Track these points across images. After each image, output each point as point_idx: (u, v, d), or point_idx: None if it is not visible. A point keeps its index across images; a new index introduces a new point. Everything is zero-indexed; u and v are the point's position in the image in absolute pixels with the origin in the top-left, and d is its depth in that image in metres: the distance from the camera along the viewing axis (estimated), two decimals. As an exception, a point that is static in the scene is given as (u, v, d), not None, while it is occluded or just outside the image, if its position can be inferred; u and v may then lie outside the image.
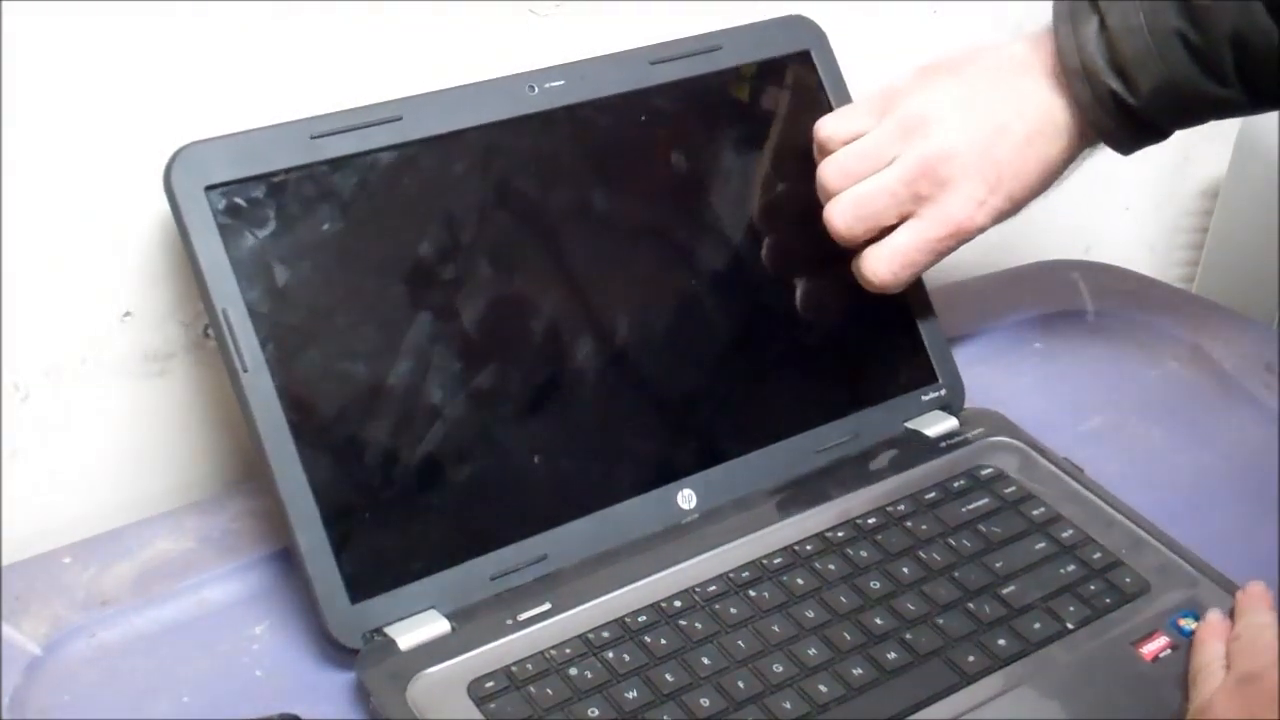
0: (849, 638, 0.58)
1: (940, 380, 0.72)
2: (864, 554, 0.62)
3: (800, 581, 0.61)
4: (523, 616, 0.59)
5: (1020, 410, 0.72)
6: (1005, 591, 0.60)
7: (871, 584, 0.61)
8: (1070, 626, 0.59)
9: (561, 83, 0.65)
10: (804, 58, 0.71)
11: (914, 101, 0.65)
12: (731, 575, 0.61)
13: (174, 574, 0.63)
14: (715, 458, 0.66)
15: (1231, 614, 0.58)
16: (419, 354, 0.61)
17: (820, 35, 0.72)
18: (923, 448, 0.69)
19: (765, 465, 0.67)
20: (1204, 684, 0.54)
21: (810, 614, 0.59)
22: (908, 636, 0.58)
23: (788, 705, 0.55)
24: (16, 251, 0.61)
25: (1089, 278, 0.86)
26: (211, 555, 0.64)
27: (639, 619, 0.59)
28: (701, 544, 0.63)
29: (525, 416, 0.63)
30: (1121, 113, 0.64)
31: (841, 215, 0.65)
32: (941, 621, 0.59)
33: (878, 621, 0.59)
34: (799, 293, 0.69)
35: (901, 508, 0.65)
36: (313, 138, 0.60)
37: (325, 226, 0.60)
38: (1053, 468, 0.68)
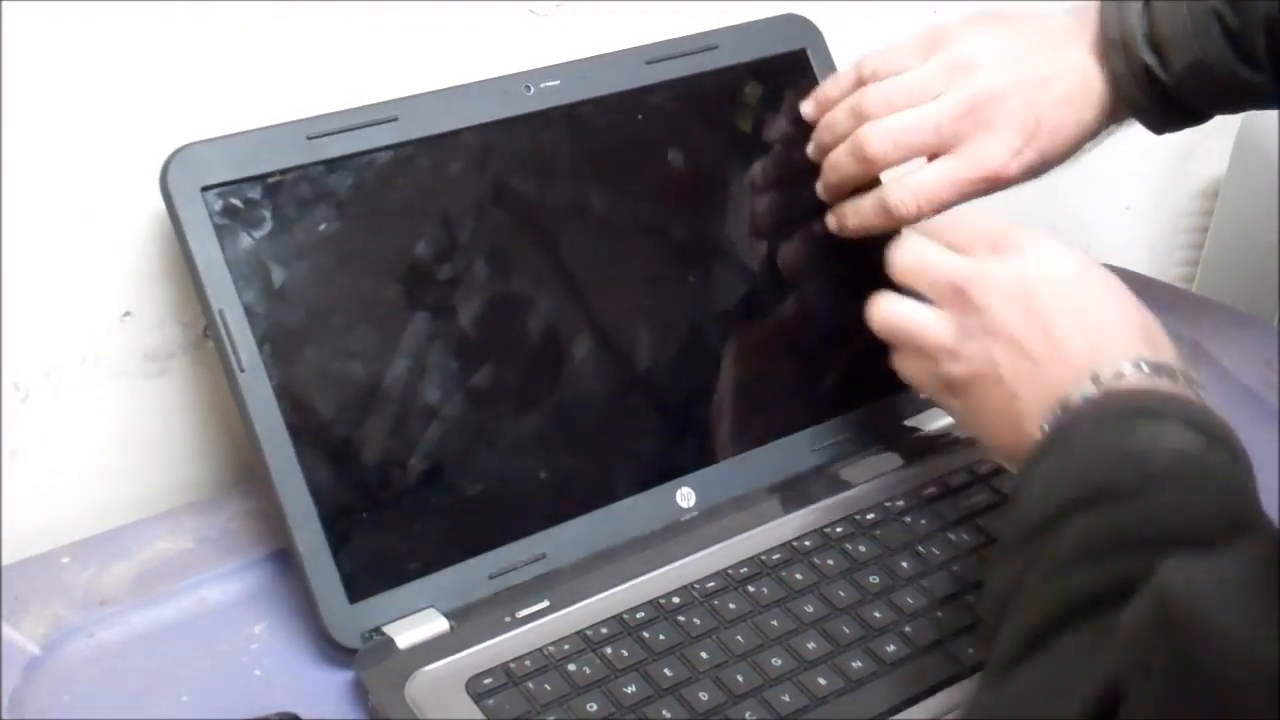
0: (848, 631, 0.58)
1: (939, 378, 0.71)
2: (862, 549, 0.62)
3: (799, 577, 0.60)
4: (521, 614, 0.59)
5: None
6: (1004, 585, 0.60)
7: (870, 578, 0.60)
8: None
9: (558, 82, 0.65)
10: (800, 57, 0.71)
11: (963, 44, 0.66)
12: (730, 571, 0.61)
13: (173, 574, 0.63)
14: (713, 456, 0.66)
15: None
16: (416, 354, 0.61)
17: (817, 34, 0.72)
18: (922, 444, 0.69)
19: (764, 463, 0.67)
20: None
21: (809, 608, 0.59)
22: (906, 629, 0.58)
23: (786, 698, 0.55)
24: (16, 251, 0.61)
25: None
26: (210, 555, 0.64)
27: (637, 615, 0.59)
28: (700, 541, 0.63)
29: (523, 415, 0.63)
30: (1154, 89, 0.64)
31: (880, 139, 0.65)
32: (940, 614, 0.59)
33: (876, 615, 0.59)
34: (796, 290, 0.69)
35: (900, 503, 0.65)
36: (309, 138, 0.60)
37: (322, 227, 0.60)
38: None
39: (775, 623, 0.58)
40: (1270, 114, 0.90)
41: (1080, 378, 0.52)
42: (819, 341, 0.69)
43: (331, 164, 0.61)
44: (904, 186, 0.65)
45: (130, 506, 0.67)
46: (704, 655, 0.57)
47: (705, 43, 0.69)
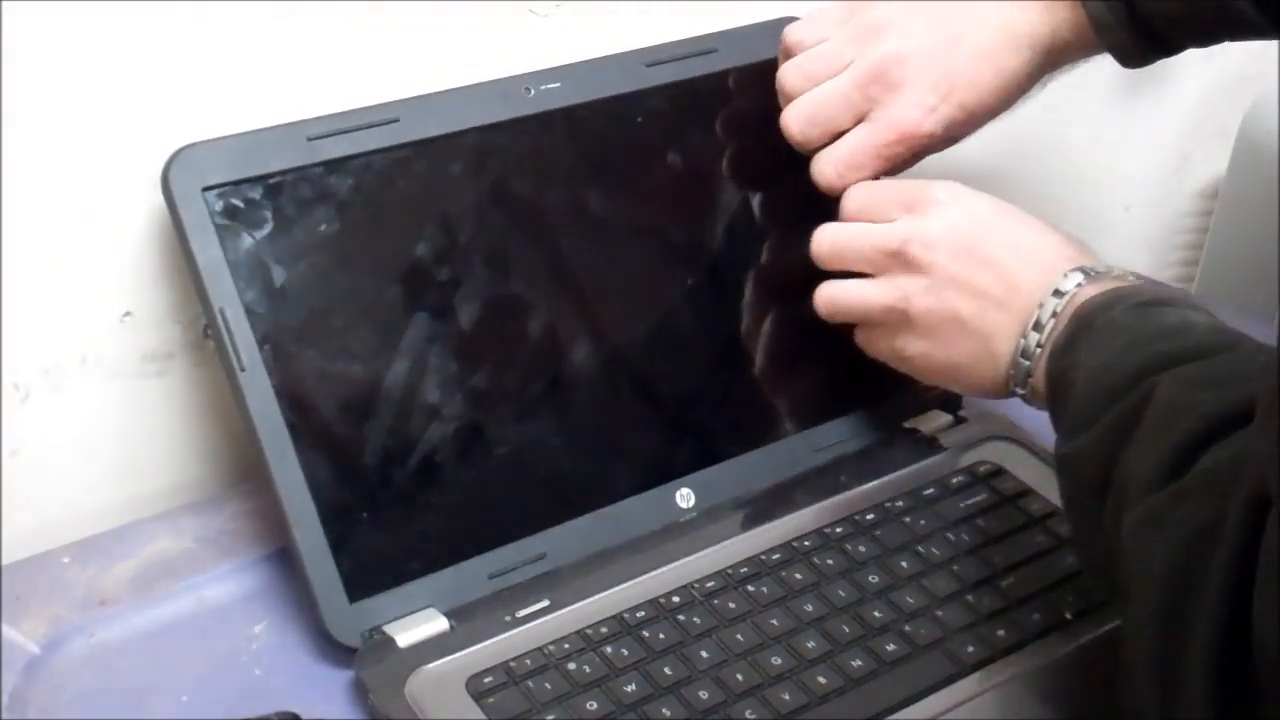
0: (848, 630, 0.58)
1: (939, 378, 0.72)
2: (862, 549, 0.62)
3: (799, 576, 0.61)
4: (521, 613, 0.59)
5: (1020, 407, 0.71)
6: (1004, 584, 0.60)
7: (870, 578, 0.60)
8: (1069, 617, 0.59)
9: (558, 84, 0.66)
10: (800, 58, 0.72)
11: (875, 10, 0.65)
12: (730, 571, 0.61)
13: (173, 573, 0.63)
14: (713, 457, 0.66)
15: None
16: (416, 354, 0.61)
17: (816, 36, 0.72)
18: (921, 445, 0.69)
19: (764, 464, 0.67)
20: None
21: (809, 608, 0.59)
22: (906, 628, 0.58)
23: (786, 697, 0.55)
24: (16, 251, 0.61)
25: (1089, 278, 0.86)
26: (210, 555, 0.64)
27: (637, 614, 0.59)
28: (700, 541, 0.63)
29: (523, 416, 0.63)
30: (1129, 17, 0.62)
31: (796, 119, 0.66)
32: (940, 614, 0.59)
33: (876, 614, 0.59)
34: (796, 290, 0.69)
35: (900, 504, 0.65)
36: (309, 139, 0.61)
37: (322, 228, 0.61)
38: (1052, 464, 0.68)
39: (775, 622, 0.58)
40: (1270, 114, 0.90)
41: (1045, 297, 0.57)
42: (818, 342, 0.69)
43: (332, 165, 0.61)
44: (823, 159, 0.66)
45: (130, 506, 0.67)
46: (704, 654, 0.57)
47: (704, 46, 0.69)
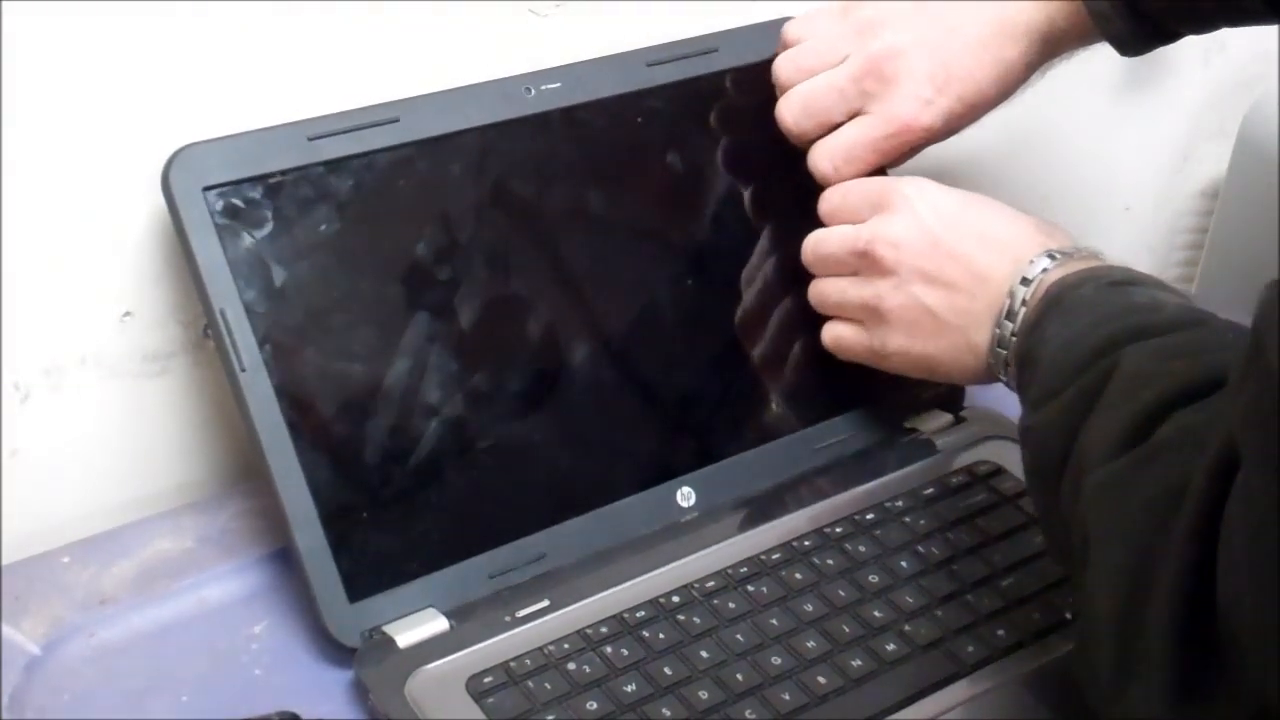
0: (848, 630, 0.58)
1: (939, 378, 0.72)
2: (862, 549, 0.62)
3: (799, 576, 0.61)
4: (521, 613, 0.59)
5: (1019, 406, 0.71)
6: (1004, 584, 0.60)
7: (870, 577, 0.61)
8: (1069, 616, 0.59)
9: (558, 85, 0.66)
10: (800, 58, 0.71)
11: (871, 6, 0.66)
12: (730, 571, 0.61)
13: (173, 573, 0.63)
14: (713, 456, 0.66)
15: None
16: (416, 354, 0.61)
17: (816, 36, 0.72)
18: (921, 445, 0.69)
19: (764, 463, 0.67)
20: None
21: (809, 607, 0.59)
22: (906, 628, 0.58)
23: (786, 696, 0.55)
24: (16, 251, 0.61)
25: (1089, 278, 0.86)
26: (210, 555, 0.64)
27: (637, 614, 0.59)
28: (700, 541, 0.63)
29: (523, 416, 0.63)
30: (1128, 5, 0.62)
31: (790, 110, 0.66)
32: (940, 613, 0.59)
33: (876, 614, 0.59)
34: (796, 290, 0.69)
35: (900, 504, 0.65)
36: (310, 139, 0.61)
37: (322, 227, 0.61)
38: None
39: (775, 622, 0.58)
40: (1271, 114, 0.90)
41: (1014, 286, 0.57)
42: (818, 341, 0.69)
43: (332, 165, 0.61)
44: (819, 151, 0.66)
45: (130, 506, 0.67)
46: (704, 654, 0.57)
47: (705, 45, 0.69)
